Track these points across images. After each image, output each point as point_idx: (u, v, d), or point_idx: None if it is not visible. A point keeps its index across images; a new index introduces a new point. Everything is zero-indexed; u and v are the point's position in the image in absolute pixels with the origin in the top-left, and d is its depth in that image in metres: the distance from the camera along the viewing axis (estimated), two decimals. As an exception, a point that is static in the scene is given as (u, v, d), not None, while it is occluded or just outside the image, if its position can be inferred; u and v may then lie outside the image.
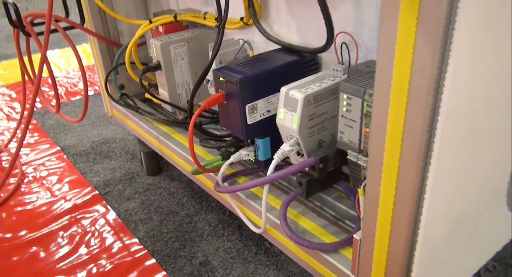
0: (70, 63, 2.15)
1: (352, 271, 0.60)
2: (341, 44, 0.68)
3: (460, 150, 0.48)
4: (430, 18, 0.38)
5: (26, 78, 1.24)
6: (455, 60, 0.39)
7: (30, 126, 1.55)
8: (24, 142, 1.43)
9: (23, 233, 1.05)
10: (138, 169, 1.29)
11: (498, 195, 0.64)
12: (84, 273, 0.93)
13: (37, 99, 1.08)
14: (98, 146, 1.43)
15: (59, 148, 1.42)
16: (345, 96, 0.60)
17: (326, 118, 0.67)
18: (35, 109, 1.72)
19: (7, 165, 1.33)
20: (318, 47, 0.70)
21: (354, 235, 0.57)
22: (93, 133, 1.51)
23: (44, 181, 1.25)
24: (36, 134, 1.51)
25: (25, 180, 1.25)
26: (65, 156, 1.37)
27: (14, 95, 1.85)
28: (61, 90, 1.86)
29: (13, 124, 1.59)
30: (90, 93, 1.83)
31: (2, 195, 1.18)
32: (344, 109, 0.60)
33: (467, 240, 0.62)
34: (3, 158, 1.38)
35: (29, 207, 1.14)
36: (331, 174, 0.71)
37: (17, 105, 1.76)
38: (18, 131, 1.43)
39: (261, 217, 0.73)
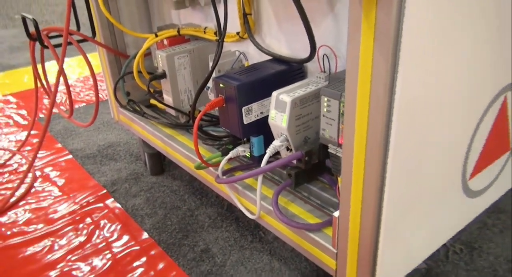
0: (74, 72, 2.27)
1: (333, 245, 0.72)
2: (323, 56, 0.81)
3: (413, 140, 0.60)
4: (384, 37, 0.50)
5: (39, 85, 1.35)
6: (403, 68, 0.51)
7: (38, 132, 1.66)
8: (35, 146, 1.54)
9: (39, 227, 1.16)
10: (142, 169, 1.40)
11: (454, 181, 0.75)
12: (96, 260, 1.03)
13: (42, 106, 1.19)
14: (104, 150, 1.53)
15: (67, 152, 1.52)
16: (325, 99, 0.72)
17: (310, 118, 0.79)
18: (42, 116, 1.83)
19: (18, 166, 1.44)
20: (303, 58, 0.82)
21: (333, 214, 0.69)
22: (99, 138, 1.62)
23: (55, 180, 1.35)
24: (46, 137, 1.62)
25: (38, 181, 1.35)
26: (73, 159, 1.48)
27: (21, 103, 1.95)
28: (65, 98, 1.96)
29: (20, 130, 1.70)
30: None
31: (17, 194, 1.28)
32: (325, 109, 0.72)
33: (425, 219, 0.73)
34: (9, 161, 1.48)
35: (43, 204, 1.24)
36: (316, 167, 0.83)
37: (24, 112, 1.86)
38: (21, 137, 1.53)
39: (256, 205, 0.84)
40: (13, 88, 2.13)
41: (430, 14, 0.51)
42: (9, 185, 1.34)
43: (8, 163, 1.46)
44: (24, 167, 1.43)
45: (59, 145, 1.57)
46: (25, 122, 1.77)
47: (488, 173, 0.83)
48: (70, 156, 1.49)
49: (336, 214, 0.68)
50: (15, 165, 1.45)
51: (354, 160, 0.61)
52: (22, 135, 1.64)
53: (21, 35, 3.49)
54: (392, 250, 0.68)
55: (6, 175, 1.39)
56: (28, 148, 1.56)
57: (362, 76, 0.54)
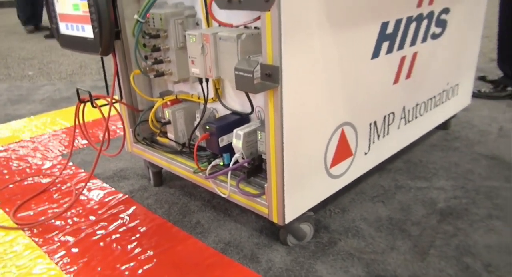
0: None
1: (266, 201, 1.49)
2: (258, 111, 1.61)
3: (293, 147, 1.41)
4: (277, 106, 1.31)
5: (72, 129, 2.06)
6: (286, 117, 1.32)
7: (70, 163, 2.35)
8: (66, 172, 2.23)
9: (89, 219, 1.85)
10: (147, 183, 2.12)
11: (319, 167, 1.56)
12: (132, 230, 1.74)
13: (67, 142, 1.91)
14: (117, 173, 2.25)
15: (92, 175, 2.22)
16: (259, 132, 1.52)
17: (253, 142, 1.58)
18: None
19: (61, 185, 2.11)
20: (248, 112, 1.63)
21: (265, 185, 1.47)
22: (111, 165, 2.33)
23: (91, 192, 2.05)
24: (72, 167, 2.31)
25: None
26: (98, 179, 2.18)
27: (49, 144, 2.62)
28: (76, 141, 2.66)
29: (52, 160, 2.38)
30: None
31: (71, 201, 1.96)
32: (259, 137, 1.52)
33: (305, 187, 1.53)
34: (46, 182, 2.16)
35: (87, 206, 1.94)
36: (259, 169, 1.61)
37: (53, 149, 2.53)
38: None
39: (227, 189, 1.61)
40: (34, 132, 2.80)
41: (297, 96, 1.34)
42: (55, 196, 2.02)
43: (47, 184, 2.14)
44: (64, 186, 2.12)
45: (84, 171, 2.26)
46: (45, 157, 2.45)
47: (342, 165, 1.65)
48: (95, 178, 2.19)
49: (266, 185, 1.47)
50: (52, 187, 2.14)
51: (271, 160, 1.40)
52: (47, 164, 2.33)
53: (14, 88, 4.10)
54: (290, 202, 1.47)
55: (53, 192, 2.07)
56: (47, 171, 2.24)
57: (271, 121, 1.34)
